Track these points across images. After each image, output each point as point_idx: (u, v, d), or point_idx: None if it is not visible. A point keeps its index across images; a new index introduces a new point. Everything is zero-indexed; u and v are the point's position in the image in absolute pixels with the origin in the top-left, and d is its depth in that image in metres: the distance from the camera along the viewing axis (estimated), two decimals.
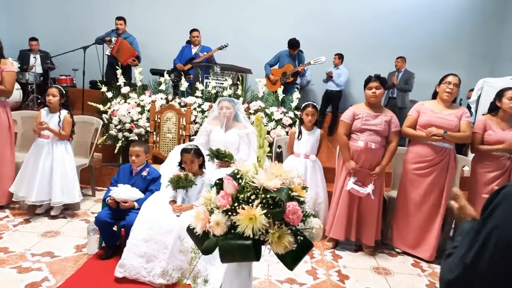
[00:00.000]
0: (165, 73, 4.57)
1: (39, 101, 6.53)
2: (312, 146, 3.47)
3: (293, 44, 5.78)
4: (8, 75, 3.38)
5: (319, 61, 5.56)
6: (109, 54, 5.95)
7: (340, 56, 7.08)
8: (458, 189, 1.25)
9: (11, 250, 2.77)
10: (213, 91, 4.43)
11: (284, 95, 4.39)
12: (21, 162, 3.47)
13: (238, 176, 1.37)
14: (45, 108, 3.46)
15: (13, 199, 3.46)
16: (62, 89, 3.48)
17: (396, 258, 3.23)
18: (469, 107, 5.46)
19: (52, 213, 3.46)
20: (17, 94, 6.08)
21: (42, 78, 6.93)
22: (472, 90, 5.49)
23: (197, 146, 2.81)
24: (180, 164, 2.79)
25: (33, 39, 7.03)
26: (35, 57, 6.81)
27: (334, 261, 3.09)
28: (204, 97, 4.40)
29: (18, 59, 6.79)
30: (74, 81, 7.17)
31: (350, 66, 7.30)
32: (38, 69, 6.83)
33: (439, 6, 7.71)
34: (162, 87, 4.46)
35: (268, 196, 1.30)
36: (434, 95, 3.21)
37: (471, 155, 3.37)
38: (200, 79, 4.52)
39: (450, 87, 3.04)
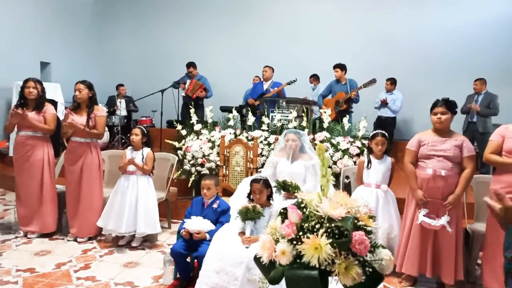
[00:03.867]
0: (233, 109, 4.81)
1: (123, 141, 7.21)
2: (383, 175, 3.32)
3: (335, 65, 5.81)
4: (100, 120, 3.82)
5: (371, 83, 5.41)
6: (184, 94, 6.48)
7: (393, 82, 6.74)
8: (498, 189, 1.13)
9: (98, 279, 3.02)
10: (279, 124, 4.53)
11: (350, 124, 4.33)
12: (107, 197, 3.79)
13: (302, 205, 1.39)
14: (129, 148, 3.80)
15: (103, 232, 3.76)
16: (144, 129, 3.82)
17: None
18: None
19: (133, 244, 3.71)
20: (105, 135, 6.78)
21: (126, 120, 7.67)
22: None
23: (266, 178, 2.88)
24: (249, 195, 2.86)
25: (121, 85, 7.92)
26: (120, 102, 7.60)
27: None
28: (270, 130, 4.51)
29: (106, 104, 7.64)
30: (153, 122, 7.86)
31: (419, 90, 7.04)
32: (123, 112, 7.59)
33: None
34: (231, 122, 4.69)
35: (333, 225, 1.29)
36: None
37: None
38: (266, 113, 4.67)
39: None
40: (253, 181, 2.82)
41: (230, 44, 8.77)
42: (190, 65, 6.65)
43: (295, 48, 8.25)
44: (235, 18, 8.79)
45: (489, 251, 2.95)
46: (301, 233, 1.32)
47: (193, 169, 4.52)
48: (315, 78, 7.30)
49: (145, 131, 3.80)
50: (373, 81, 5.41)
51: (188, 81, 6.48)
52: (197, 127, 4.68)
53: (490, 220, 2.95)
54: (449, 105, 2.92)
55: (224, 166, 4.14)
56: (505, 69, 7.03)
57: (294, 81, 5.73)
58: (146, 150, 3.74)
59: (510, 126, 2.92)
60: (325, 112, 4.46)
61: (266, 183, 2.81)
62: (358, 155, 4.06)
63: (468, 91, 6.31)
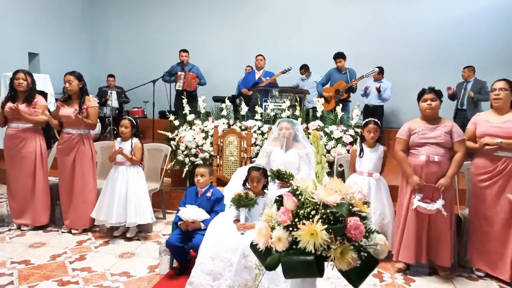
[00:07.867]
0: (226, 99, 4.79)
1: (115, 132, 7.14)
2: (375, 163, 3.35)
3: (336, 54, 5.81)
4: (92, 110, 3.79)
5: (373, 72, 5.46)
6: (181, 88, 6.33)
7: (381, 70, 6.66)
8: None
9: (94, 270, 3.02)
10: (272, 114, 4.53)
11: (343, 113, 4.35)
12: (101, 189, 3.78)
13: (297, 192, 1.40)
14: (118, 138, 3.79)
15: (95, 223, 3.78)
16: (133, 120, 3.80)
17: (477, 283, 2.95)
18: None
19: (128, 235, 3.71)
20: (97, 127, 6.71)
21: (117, 111, 7.60)
22: None
23: (264, 167, 2.89)
24: (244, 182, 2.87)
25: (110, 75, 7.83)
26: (111, 93, 7.52)
27: (407, 285, 2.91)
28: (263, 120, 4.51)
29: (96, 95, 7.56)
30: (145, 112, 7.81)
31: (408, 79, 7.09)
32: (115, 103, 7.51)
33: (503, 12, 7.26)
34: (224, 112, 4.67)
35: (328, 211, 1.31)
36: (491, 105, 3.08)
37: None
38: (259, 102, 4.66)
39: (496, 93, 2.94)
40: (252, 169, 2.83)
41: (223, 34, 8.70)
42: (185, 51, 6.57)
43: (288, 38, 8.22)
44: (229, 9, 8.71)
45: (472, 233, 3.10)
46: (296, 220, 1.34)
47: (186, 160, 4.52)
48: (305, 69, 7.29)
49: (134, 122, 3.78)
50: (374, 71, 5.46)
51: (180, 73, 6.37)
52: (190, 117, 4.66)
53: (471, 205, 3.11)
54: (437, 93, 3.00)
55: (218, 156, 4.14)
56: (493, 59, 7.08)
57: (289, 69, 5.72)
58: (135, 140, 3.73)
59: (482, 114, 3.14)
60: (318, 101, 4.46)
61: (264, 172, 2.83)
62: (351, 143, 4.08)
63: (456, 80, 6.37)
